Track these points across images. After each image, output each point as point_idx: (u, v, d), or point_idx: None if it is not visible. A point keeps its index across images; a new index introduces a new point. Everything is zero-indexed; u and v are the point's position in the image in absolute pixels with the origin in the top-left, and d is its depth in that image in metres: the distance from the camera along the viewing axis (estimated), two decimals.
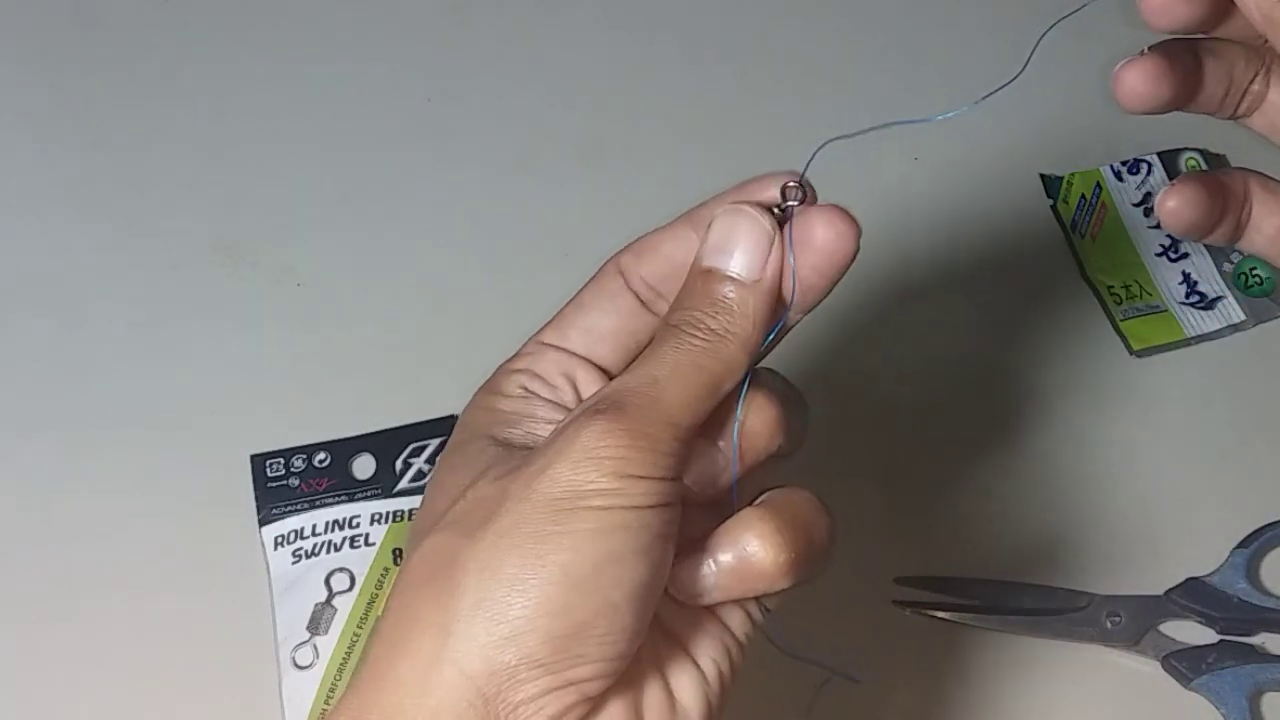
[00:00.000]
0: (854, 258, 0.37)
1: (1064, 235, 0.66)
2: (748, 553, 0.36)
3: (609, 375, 0.38)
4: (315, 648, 0.54)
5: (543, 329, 0.39)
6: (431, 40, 0.73)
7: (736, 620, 0.38)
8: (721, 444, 0.37)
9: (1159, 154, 0.67)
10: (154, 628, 0.55)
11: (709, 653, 0.37)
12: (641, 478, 0.33)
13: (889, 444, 0.61)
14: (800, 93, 0.71)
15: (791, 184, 0.38)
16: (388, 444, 0.59)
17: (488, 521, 0.33)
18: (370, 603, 0.55)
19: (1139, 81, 0.38)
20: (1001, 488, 0.59)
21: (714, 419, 0.37)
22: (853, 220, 0.37)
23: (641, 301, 0.38)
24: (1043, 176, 0.67)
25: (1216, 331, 0.63)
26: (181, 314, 0.64)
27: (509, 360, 0.39)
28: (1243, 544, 0.56)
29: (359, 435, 0.59)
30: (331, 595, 0.55)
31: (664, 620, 0.36)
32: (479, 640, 0.32)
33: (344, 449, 0.59)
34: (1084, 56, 0.73)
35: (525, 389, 0.37)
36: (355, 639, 0.54)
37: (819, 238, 0.37)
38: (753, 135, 0.70)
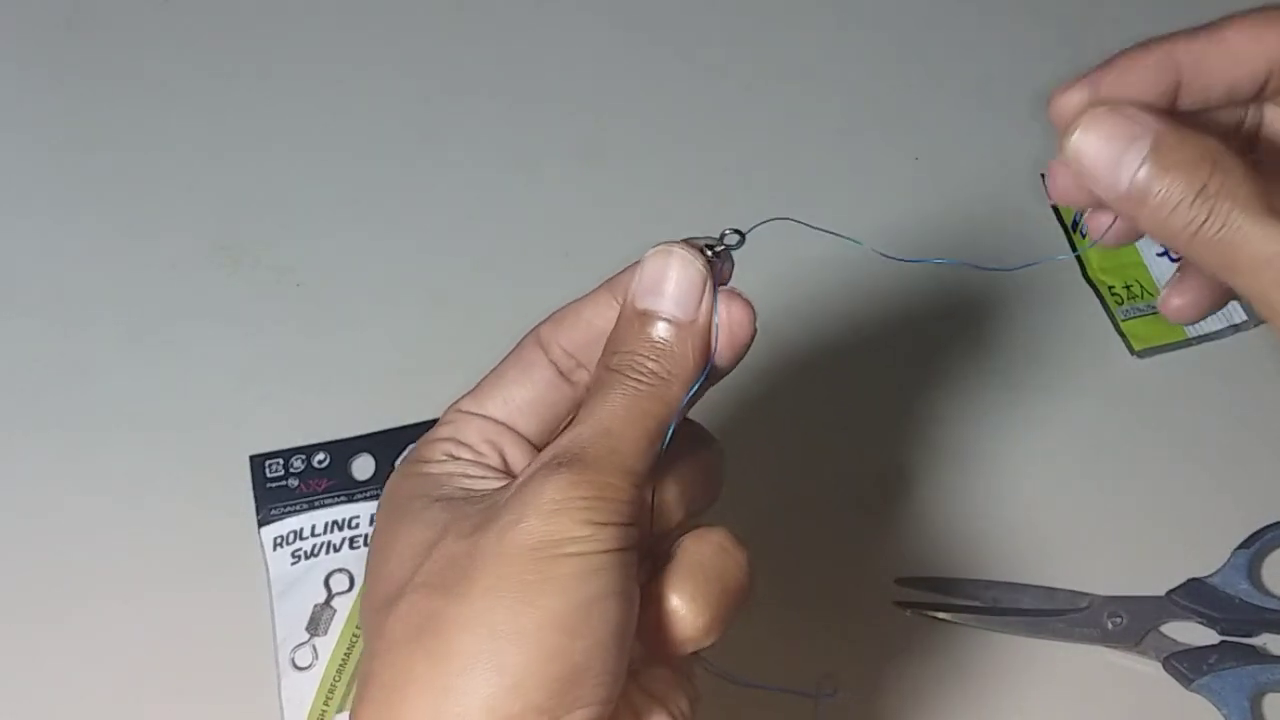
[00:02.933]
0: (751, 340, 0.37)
1: (1065, 235, 0.66)
2: (671, 619, 0.36)
3: (530, 442, 0.38)
4: (314, 648, 0.54)
5: (462, 398, 0.39)
6: (431, 40, 0.73)
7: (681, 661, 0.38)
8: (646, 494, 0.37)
9: None
10: (153, 628, 0.55)
11: (669, 693, 0.37)
12: (609, 524, 0.33)
13: (889, 444, 0.61)
14: (801, 92, 0.71)
15: (729, 230, 0.38)
16: (387, 444, 0.59)
17: (468, 578, 0.33)
18: None
19: (1181, 301, 0.40)
20: (1002, 488, 0.59)
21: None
22: (750, 309, 0.37)
23: (560, 372, 0.39)
24: (1043, 176, 0.67)
25: (1218, 332, 0.63)
26: (181, 314, 0.64)
27: (429, 433, 0.39)
28: (1244, 544, 0.56)
29: (358, 436, 0.59)
30: (331, 596, 0.55)
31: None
32: (480, 694, 0.32)
33: (343, 449, 0.59)
34: (1084, 56, 0.73)
35: (450, 455, 0.38)
36: (354, 640, 0.54)
37: (729, 317, 0.37)
38: (753, 135, 0.70)
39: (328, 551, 0.56)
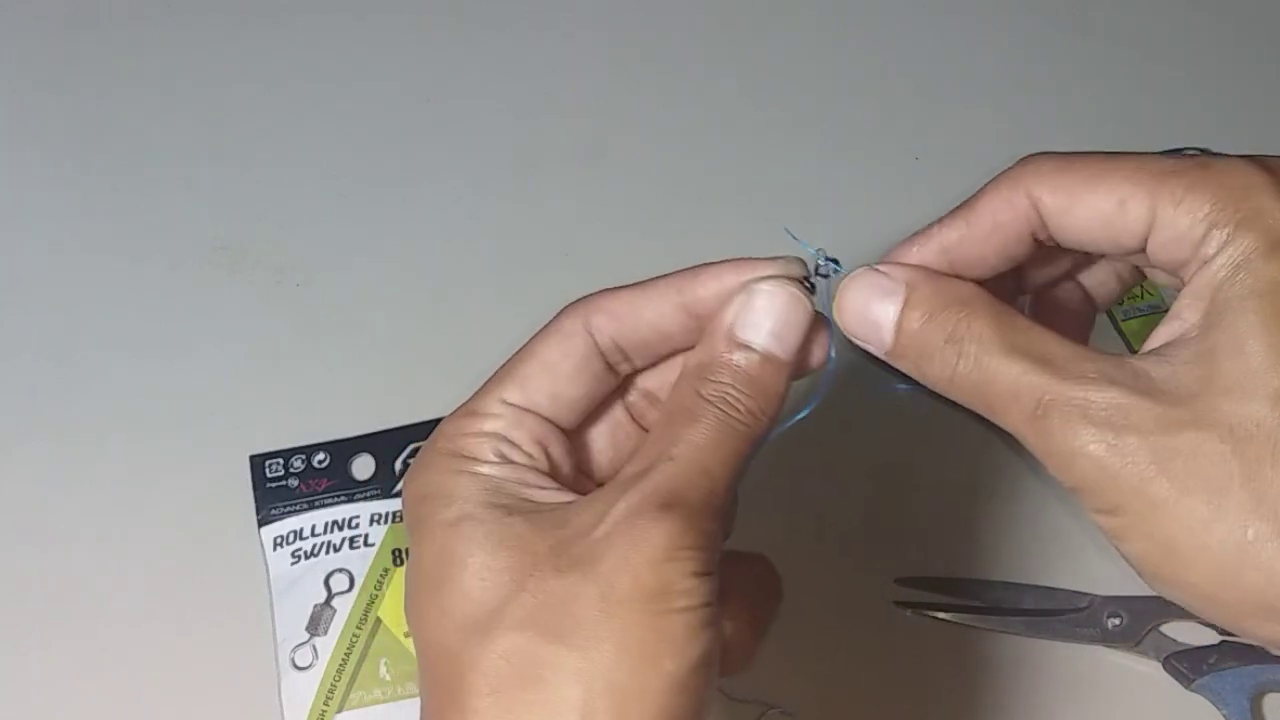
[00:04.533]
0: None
1: None
2: (725, 653, 0.36)
3: (565, 431, 0.38)
4: (314, 648, 0.54)
5: (502, 383, 0.37)
6: (431, 40, 0.73)
7: None
8: None
9: (1161, 154, 0.67)
10: (153, 628, 0.55)
11: None
12: (707, 574, 0.33)
13: (889, 444, 0.61)
14: (800, 93, 0.71)
15: (824, 260, 0.38)
16: (387, 444, 0.59)
17: (580, 627, 0.32)
18: (369, 603, 0.55)
19: None
20: (1002, 487, 0.59)
21: None
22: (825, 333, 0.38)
23: (609, 364, 0.38)
24: None
25: None
26: (181, 314, 0.64)
27: (467, 416, 0.37)
28: None
29: (358, 435, 0.59)
30: (331, 596, 0.55)
31: None
32: None
33: (343, 449, 0.59)
34: (1083, 56, 0.73)
35: (503, 456, 0.36)
36: (354, 639, 0.54)
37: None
38: (753, 135, 0.70)
39: (328, 551, 0.56)
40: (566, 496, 0.36)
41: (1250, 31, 0.73)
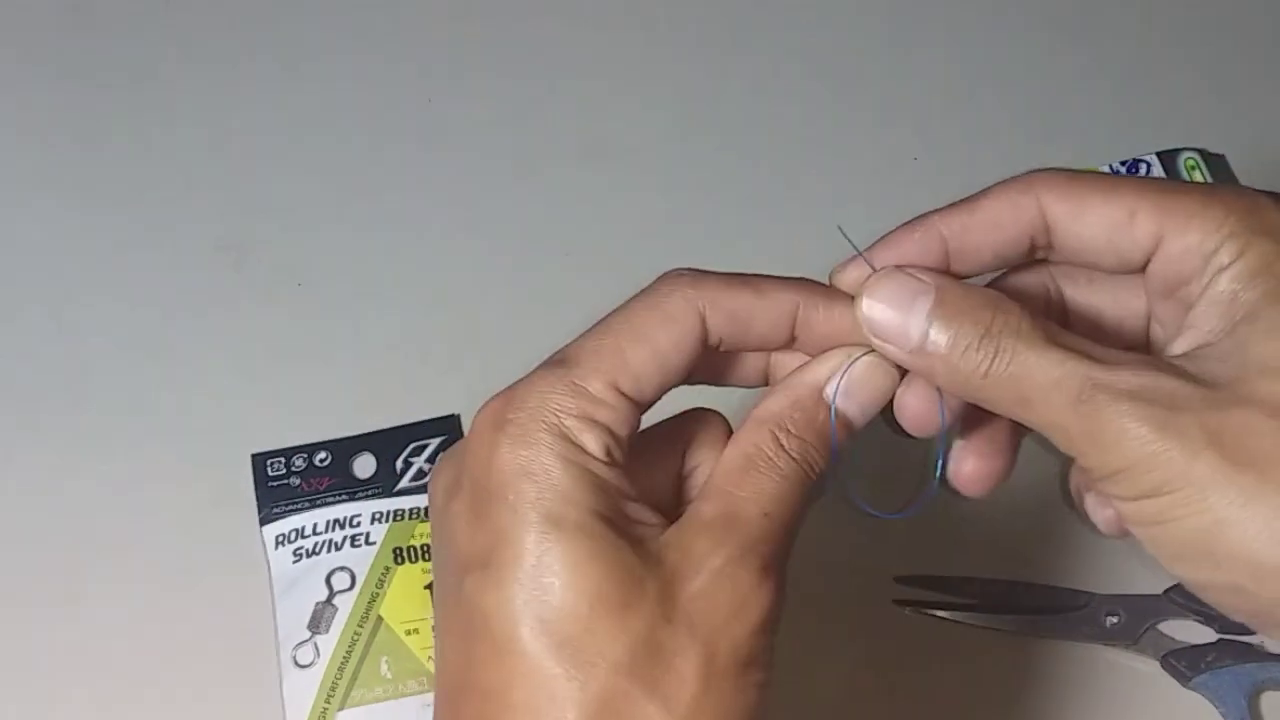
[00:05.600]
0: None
1: None
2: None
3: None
4: (316, 646, 0.54)
5: (613, 365, 0.34)
6: (431, 40, 0.73)
7: None
8: None
9: (1158, 154, 0.67)
10: (155, 626, 0.55)
11: None
12: (775, 635, 0.34)
13: (889, 443, 0.61)
14: (800, 92, 0.71)
15: None
16: (388, 443, 0.59)
17: (680, 690, 0.32)
18: (371, 601, 0.55)
19: (973, 469, 0.41)
20: (1001, 487, 0.59)
21: None
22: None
23: (727, 369, 0.39)
24: None
25: None
26: (183, 313, 0.64)
27: (576, 394, 0.34)
28: None
29: (359, 434, 0.59)
30: (332, 594, 0.55)
31: None
32: None
33: (345, 448, 0.59)
34: (1083, 56, 0.73)
35: (611, 456, 0.34)
36: (355, 637, 0.54)
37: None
38: (752, 134, 0.70)
39: (329, 550, 0.56)
40: (652, 518, 0.35)
41: (1251, 31, 0.73)
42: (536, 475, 0.33)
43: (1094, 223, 0.36)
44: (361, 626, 0.54)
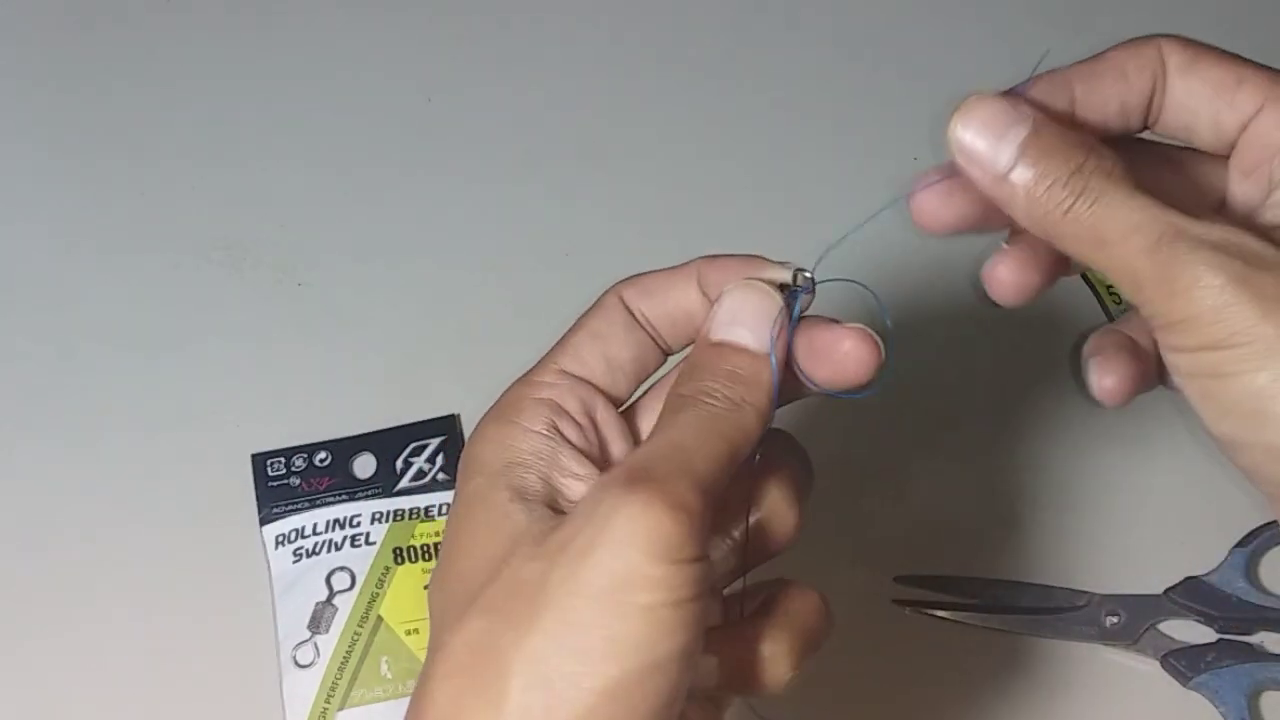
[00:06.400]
0: (868, 378, 0.37)
1: None
2: (758, 665, 0.36)
3: (619, 415, 0.38)
4: (316, 646, 0.54)
5: (558, 354, 0.38)
6: (431, 40, 0.73)
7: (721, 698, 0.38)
8: (733, 535, 0.38)
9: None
10: (155, 627, 0.55)
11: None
12: (683, 561, 0.32)
13: (889, 443, 0.61)
14: (800, 92, 0.71)
15: (806, 273, 0.38)
16: (388, 443, 0.59)
17: (534, 616, 0.31)
18: (371, 601, 0.55)
19: (1008, 275, 0.40)
20: (1001, 487, 0.59)
21: (725, 509, 0.37)
22: (876, 348, 0.37)
23: (650, 336, 0.39)
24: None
25: None
26: (183, 314, 0.64)
27: (526, 385, 0.38)
28: (1241, 543, 0.56)
29: (359, 434, 0.59)
30: (332, 594, 0.55)
31: None
32: None
33: (344, 448, 0.59)
34: (1083, 56, 0.73)
35: (551, 426, 0.36)
36: (355, 637, 0.54)
37: (844, 350, 0.37)
38: (753, 134, 0.70)
39: (329, 550, 0.56)
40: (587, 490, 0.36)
41: (1250, 32, 0.73)
42: (470, 459, 0.36)
43: (1205, 78, 0.37)
44: (361, 626, 0.54)
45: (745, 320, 0.36)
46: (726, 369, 0.36)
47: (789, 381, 0.37)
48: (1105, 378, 0.40)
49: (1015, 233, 0.39)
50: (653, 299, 0.38)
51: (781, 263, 0.38)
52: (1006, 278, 0.39)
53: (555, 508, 0.35)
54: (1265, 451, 0.33)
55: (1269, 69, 0.37)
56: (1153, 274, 0.34)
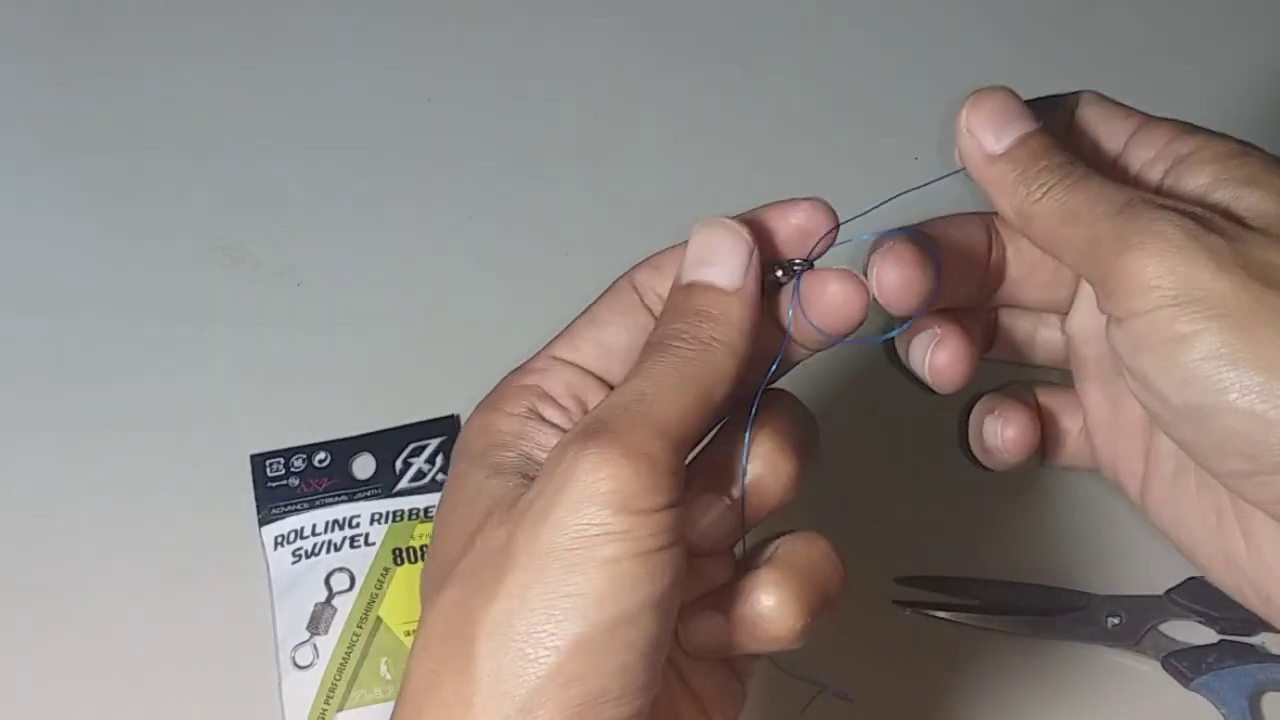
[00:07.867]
0: (859, 322, 0.37)
1: None
2: (763, 616, 0.36)
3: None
4: (315, 647, 0.54)
5: (554, 342, 0.38)
6: (431, 40, 0.73)
7: (741, 664, 0.38)
8: (731, 494, 0.37)
9: None
10: (154, 627, 0.55)
11: (713, 692, 0.37)
12: (646, 511, 0.31)
13: (890, 443, 0.61)
14: (801, 91, 0.71)
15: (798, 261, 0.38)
16: (388, 444, 0.59)
17: (500, 580, 0.31)
18: (370, 602, 0.55)
19: (945, 358, 0.41)
20: (1001, 487, 0.59)
21: (722, 468, 0.37)
22: (863, 290, 0.37)
23: (654, 317, 0.38)
24: None
25: None
26: (181, 314, 0.64)
27: (516, 373, 0.38)
28: None
29: (359, 435, 0.59)
30: (331, 595, 0.55)
31: (673, 661, 0.36)
32: (497, 715, 0.31)
33: (344, 449, 0.59)
34: (1083, 56, 0.73)
35: (531, 409, 0.36)
36: (355, 639, 0.54)
37: (830, 292, 0.37)
38: (753, 134, 0.70)
39: (328, 550, 0.56)
40: None
41: (1251, 32, 0.73)
42: (463, 446, 0.37)
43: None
44: (361, 627, 0.54)
45: (712, 258, 0.36)
46: (694, 309, 0.35)
47: (791, 342, 0.37)
48: (1009, 429, 0.41)
49: (938, 313, 0.40)
50: (663, 275, 0.38)
51: (797, 203, 0.38)
52: (945, 361, 0.40)
53: (529, 477, 0.35)
54: (1233, 413, 0.32)
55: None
56: (1112, 231, 0.34)
